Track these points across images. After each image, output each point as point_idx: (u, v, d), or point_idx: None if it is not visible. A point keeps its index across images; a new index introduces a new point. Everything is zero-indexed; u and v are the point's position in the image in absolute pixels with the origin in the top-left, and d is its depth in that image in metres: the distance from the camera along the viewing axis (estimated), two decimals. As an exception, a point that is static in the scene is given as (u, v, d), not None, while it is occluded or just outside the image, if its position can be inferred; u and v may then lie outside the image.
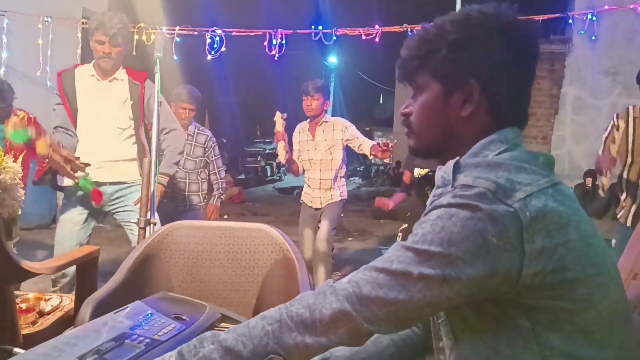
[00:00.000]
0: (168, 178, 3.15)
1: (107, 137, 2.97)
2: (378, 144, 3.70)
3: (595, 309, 0.88)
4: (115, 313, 1.34)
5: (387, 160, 24.22)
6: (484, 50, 0.98)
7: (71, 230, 2.94)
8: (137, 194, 2.98)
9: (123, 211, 3.04)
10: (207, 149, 4.09)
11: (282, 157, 3.97)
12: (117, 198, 3.03)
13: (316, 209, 4.05)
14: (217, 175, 4.22)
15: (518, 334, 0.89)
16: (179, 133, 3.23)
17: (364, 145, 3.90)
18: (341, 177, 4.08)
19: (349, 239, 7.36)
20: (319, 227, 4.03)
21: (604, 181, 3.20)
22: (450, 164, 0.95)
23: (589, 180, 7.60)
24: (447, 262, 0.84)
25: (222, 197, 4.29)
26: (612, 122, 3.34)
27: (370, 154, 3.90)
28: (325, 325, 0.89)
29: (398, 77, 1.10)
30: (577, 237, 0.88)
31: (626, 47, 8.17)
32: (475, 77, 0.98)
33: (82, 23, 6.24)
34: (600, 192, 3.25)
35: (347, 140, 3.95)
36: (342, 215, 4.18)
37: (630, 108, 3.28)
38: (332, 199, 4.02)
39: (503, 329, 0.90)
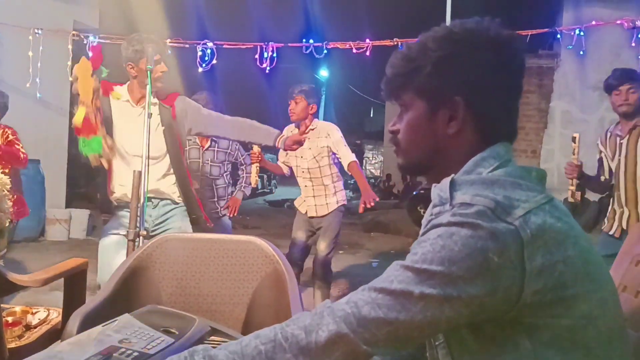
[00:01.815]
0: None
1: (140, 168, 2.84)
2: (364, 203, 3.64)
3: (595, 325, 0.88)
4: (103, 326, 1.33)
5: (377, 173, 24.27)
6: (467, 66, 0.97)
7: (116, 252, 2.81)
8: (179, 216, 2.97)
9: (163, 232, 2.94)
10: (232, 152, 4.16)
11: (253, 182, 3.95)
12: (160, 222, 2.96)
13: (311, 217, 3.92)
14: (245, 169, 4.27)
15: (519, 355, 0.87)
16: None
17: (343, 159, 3.79)
18: (336, 181, 3.92)
19: (340, 252, 7.34)
20: (314, 233, 3.92)
21: (572, 189, 3.29)
22: (446, 182, 0.94)
23: (577, 194, 7.64)
24: (448, 281, 0.83)
25: (244, 190, 4.28)
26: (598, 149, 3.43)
27: (348, 171, 3.84)
28: (321, 348, 0.87)
29: (384, 95, 1.10)
30: (575, 252, 0.87)
31: (613, 62, 8.25)
32: (460, 94, 0.98)
33: (73, 35, 6.24)
34: (569, 195, 3.33)
35: (330, 147, 3.82)
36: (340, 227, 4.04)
37: (611, 127, 3.37)
38: (328, 207, 3.86)
39: (503, 350, 0.89)
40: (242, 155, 4.27)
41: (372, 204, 3.62)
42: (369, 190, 3.73)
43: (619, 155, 3.21)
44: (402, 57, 1.04)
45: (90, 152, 2.63)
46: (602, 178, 3.42)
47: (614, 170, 3.28)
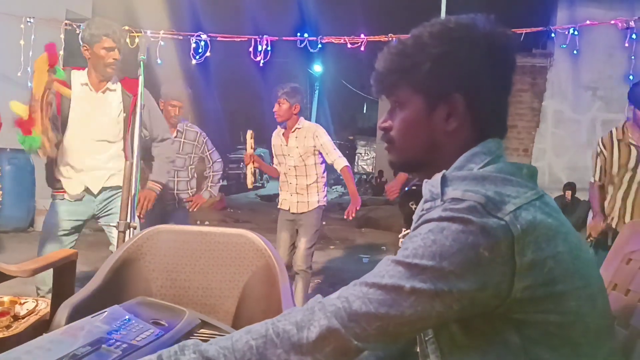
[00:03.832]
0: (160, 187, 3.14)
1: (95, 152, 2.96)
2: (347, 211, 3.94)
3: (583, 321, 0.88)
4: (92, 317, 1.32)
5: (369, 169, 24.31)
6: (466, 63, 0.97)
7: (56, 237, 2.91)
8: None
9: (107, 215, 3.03)
10: (198, 145, 4.11)
11: (249, 183, 4.04)
12: (104, 203, 3.03)
13: (293, 214, 4.00)
14: (212, 168, 4.23)
15: (508, 350, 0.88)
16: (170, 142, 3.28)
17: (335, 164, 3.91)
18: (319, 182, 4.01)
19: (331, 247, 7.35)
20: (297, 233, 4.00)
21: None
22: (438, 177, 0.94)
23: (568, 193, 7.70)
24: (439, 276, 0.83)
25: (211, 190, 4.24)
26: (598, 149, 3.41)
27: (340, 172, 3.96)
28: (312, 344, 0.86)
29: (375, 91, 1.08)
30: (565, 249, 0.87)
31: (606, 63, 8.32)
32: (459, 91, 0.97)
33: (65, 24, 6.18)
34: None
35: (316, 147, 3.92)
36: (323, 222, 4.15)
37: (614, 130, 3.34)
38: (308, 205, 3.96)
39: (492, 345, 0.89)
40: (208, 150, 4.20)
41: (353, 215, 3.93)
42: (356, 197, 3.96)
43: (636, 167, 3.17)
44: (397, 53, 1.02)
45: (29, 147, 2.63)
46: (592, 180, 3.41)
47: (622, 182, 3.23)
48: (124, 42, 2.94)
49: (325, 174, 4.10)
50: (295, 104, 3.87)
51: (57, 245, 2.88)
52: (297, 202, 3.99)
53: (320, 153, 3.96)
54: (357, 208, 3.91)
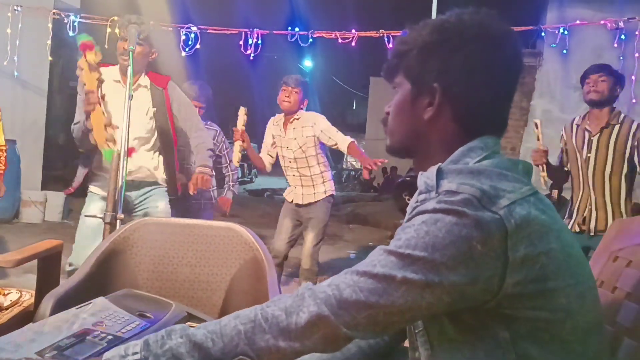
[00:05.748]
0: (209, 169, 3.09)
1: (133, 150, 2.89)
2: (365, 159, 3.53)
3: (573, 318, 0.88)
4: (77, 309, 1.31)
5: (358, 165, 24.35)
6: (451, 55, 0.97)
7: (94, 231, 2.82)
8: (159, 195, 3.04)
9: (142, 211, 3.02)
10: (217, 143, 4.06)
11: (235, 160, 3.85)
12: (139, 202, 3.01)
13: (298, 205, 3.87)
14: (229, 167, 4.18)
15: (497, 345, 0.88)
16: (207, 132, 3.28)
17: (340, 145, 3.69)
18: (324, 171, 3.87)
19: (318, 242, 7.34)
20: (301, 224, 3.88)
21: (544, 175, 3.34)
22: (433, 169, 0.94)
23: (554, 192, 7.75)
24: (431, 267, 0.83)
25: (233, 189, 4.21)
26: (561, 133, 3.47)
27: (348, 154, 3.78)
28: (301, 330, 0.87)
29: (383, 76, 1.11)
30: (558, 246, 0.87)
31: (595, 62, 8.33)
32: (438, 81, 0.98)
33: (54, 14, 6.11)
34: (542, 183, 3.41)
35: (317, 136, 3.75)
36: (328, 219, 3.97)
37: (577, 117, 3.40)
38: (315, 197, 3.82)
39: (481, 340, 0.89)
40: (226, 149, 4.17)
41: (378, 163, 3.48)
42: (367, 158, 3.62)
43: (589, 152, 3.21)
44: (400, 40, 1.06)
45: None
46: (565, 168, 3.45)
47: (580, 166, 3.28)
48: (135, 33, 2.75)
49: (327, 163, 3.95)
50: (305, 99, 3.80)
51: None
52: (303, 194, 3.85)
53: (322, 143, 3.79)
54: (373, 163, 3.46)
